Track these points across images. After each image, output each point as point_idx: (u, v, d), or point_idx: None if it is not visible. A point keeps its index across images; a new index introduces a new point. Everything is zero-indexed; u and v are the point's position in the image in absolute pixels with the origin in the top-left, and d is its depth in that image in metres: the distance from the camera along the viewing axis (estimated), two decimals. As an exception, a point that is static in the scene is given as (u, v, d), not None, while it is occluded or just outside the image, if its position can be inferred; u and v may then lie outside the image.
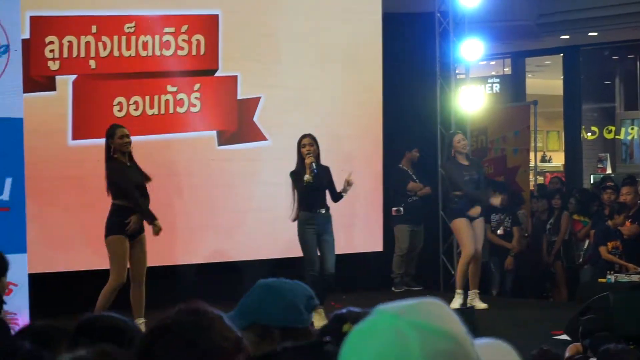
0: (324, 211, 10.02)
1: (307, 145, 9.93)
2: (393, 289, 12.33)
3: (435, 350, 1.66)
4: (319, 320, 9.56)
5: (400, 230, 12.52)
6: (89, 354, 1.89)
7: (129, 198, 8.99)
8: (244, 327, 3.06)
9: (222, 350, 2.34)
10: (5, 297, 5.89)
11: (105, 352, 2.00)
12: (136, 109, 10.75)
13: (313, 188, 9.88)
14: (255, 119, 11.43)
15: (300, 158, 9.98)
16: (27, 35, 9.76)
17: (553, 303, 13.06)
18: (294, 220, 10.04)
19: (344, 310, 3.03)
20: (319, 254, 9.95)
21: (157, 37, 10.84)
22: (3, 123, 8.11)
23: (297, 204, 10.04)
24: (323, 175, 9.98)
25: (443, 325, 1.69)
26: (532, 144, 15.11)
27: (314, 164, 9.85)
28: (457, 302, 10.67)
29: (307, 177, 9.82)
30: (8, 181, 8.10)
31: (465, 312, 8.54)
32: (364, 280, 12.01)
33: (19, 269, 7.48)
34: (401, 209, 12.46)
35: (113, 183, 9.03)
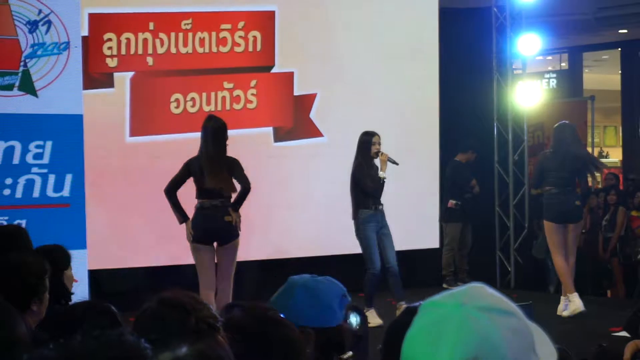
0: (381, 207, 9.94)
1: (377, 143, 9.82)
2: (445, 285, 12.28)
3: (508, 328, 1.71)
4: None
5: (452, 228, 12.47)
6: (189, 353, 1.89)
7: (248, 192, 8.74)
8: None
9: (294, 341, 2.36)
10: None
11: (204, 352, 2.00)
12: (193, 106, 10.79)
13: (381, 185, 9.80)
14: (311, 115, 11.43)
15: (364, 155, 9.86)
16: (85, 33, 9.84)
17: (611, 300, 12.94)
18: (355, 219, 9.93)
19: (416, 304, 3.01)
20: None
21: (213, 33, 10.87)
22: (64, 119, 8.19)
23: (357, 202, 9.89)
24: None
25: (502, 304, 1.74)
26: (589, 140, 14.99)
27: (390, 157, 9.77)
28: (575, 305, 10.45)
29: (382, 173, 9.75)
30: (68, 177, 8.18)
31: (524, 307, 8.48)
32: (415, 277, 11.95)
33: (79, 265, 7.55)
34: (459, 202, 12.38)
35: (246, 177, 8.65)
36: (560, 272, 10.56)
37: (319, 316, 3.12)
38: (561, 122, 10.89)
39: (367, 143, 9.85)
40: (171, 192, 8.67)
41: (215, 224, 8.59)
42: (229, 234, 8.59)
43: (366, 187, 9.80)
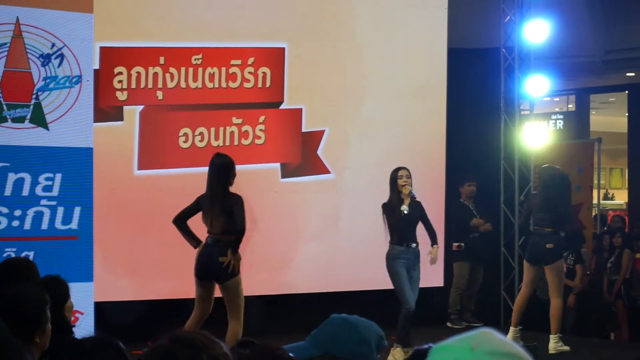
0: (414, 245, 9.91)
1: (405, 176, 9.86)
2: (449, 324, 12.27)
3: None
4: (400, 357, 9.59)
5: (460, 267, 12.49)
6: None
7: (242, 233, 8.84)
8: (316, 356, 3.14)
9: None
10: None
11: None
12: (201, 140, 10.84)
13: (407, 221, 9.80)
14: (319, 152, 11.47)
15: (392, 190, 9.91)
16: (96, 66, 9.90)
17: (615, 343, 12.92)
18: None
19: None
20: None
21: (223, 69, 10.94)
22: (74, 152, 8.24)
23: (389, 237, 9.93)
24: (416, 209, 9.91)
25: (511, 349, 1.77)
26: (595, 182, 15.00)
27: (413, 192, 9.82)
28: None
29: (404, 206, 9.78)
30: (77, 210, 8.23)
31: (529, 348, 8.47)
32: (419, 315, 11.92)
33: (86, 297, 7.59)
34: (462, 244, 12.42)
35: (244, 218, 8.73)
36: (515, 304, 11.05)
37: (358, 350, 3.17)
38: (547, 165, 11.29)
39: (394, 179, 9.92)
40: (179, 221, 8.83)
41: (209, 263, 8.74)
42: (223, 273, 8.70)
43: (390, 222, 9.83)
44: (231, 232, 8.69)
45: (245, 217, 8.72)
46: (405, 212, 9.79)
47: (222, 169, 8.83)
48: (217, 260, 8.70)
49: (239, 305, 8.78)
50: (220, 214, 8.69)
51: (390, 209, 9.86)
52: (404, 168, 9.96)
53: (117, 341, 3.46)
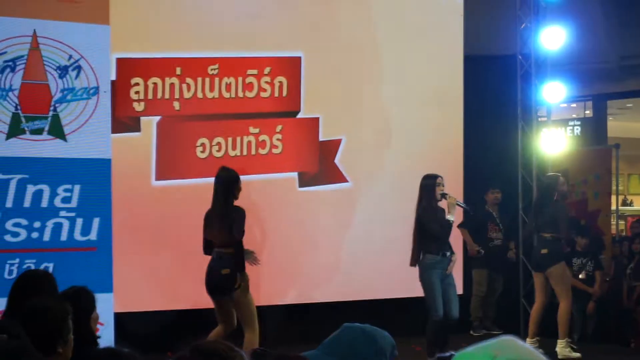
0: (448, 254, 9.73)
1: (441, 185, 9.72)
2: (471, 332, 12.24)
3: None
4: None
5: (479, 274, 12.48)
6: None
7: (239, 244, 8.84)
8: None
9: None
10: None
11: None
12: (219, 150, 10.85)
13: (449, 230, 9.64)
14: (336, 160, 11.47)
15: (429, 198, 9.69)
16: (113, 77, 9.92)
17: (635, 350, 12.85)
18: (414, 265, 9.74)
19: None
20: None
21: (240, 78, 10.95)
22: (92, 164, 8.27)
23: (419, 246, 9.69)
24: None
25: (532, 357, 1.78)
26: (614, 188, 14.93)
27: (458, 201, 9.73)
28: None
29: (450, 216, 9.61)
30: (96, 221, 8.25)
31: (550, 356, 8.46)
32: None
33: (106, 308, 7.60)
34: (482, 250, 12.40)
35: (242, 230, 8.75)
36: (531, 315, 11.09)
37: (372, 358, 3.17)
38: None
39: (432, 185, 9.71)
40: (207, 250, 8.88)
41: (212, 276, 8.82)
42: (226, 286, 8.70)
43: (433, 230, 9.60)
44: (230, 243, 8.74)
45: (244, 229, 8.73)
46: (451, 221, 9.62)
47: (226, 183, 8.86)
48: (220, 273, 8.73)
49: (249, 315, 8.78)
50: (224, 228, 8.72)
51: (434, 218, 9.66)
52: (439, 175, 9.82)
53: (131, 352, 3.46)
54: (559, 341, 10.62)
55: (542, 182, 11.44)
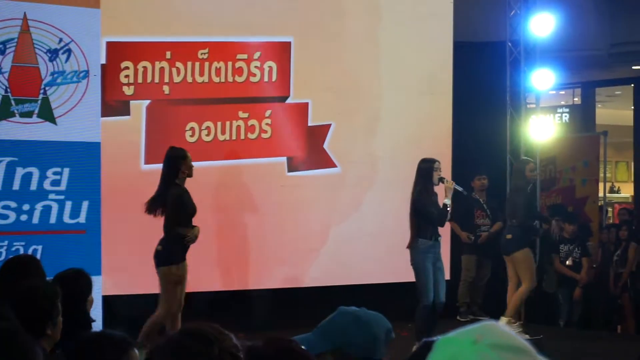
0: (440, 238, 9.73)
1: (439, 169, 9.70)
2: (458, 317, 12.29)
3: None
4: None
5: (468, 260, 12.51)
6: None
7: (189, 226, 8.89)
8: (323, 350, 3.14)
9: None
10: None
11: None
12: (208, 135, 10.85)
13: (445, 213, 9.59)
14: (325, 145, 11.49)
15: (426, 182, 9.66)
16: (103, 61, 9.91)
17: (621, 335, 12.94)
18: (410, 247, 9.70)
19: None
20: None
21: (229, 63, 10.95)
22: (82, 147, 8.27)
23: (416, 230, 9.65)
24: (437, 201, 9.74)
25: (515, 342, 1.75)
26: (601, 175, 14.98)
27: (456, 185, 9.71)
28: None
29: (447, 200, 9.56)
30: (85, 204, 8.26)
31: (535, 342, 8.49)
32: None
33: (94, 291, 7.57)
34: (472, 237, 12.42)
35: (183, 210, 8.83)
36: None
37: (368, 346, 3.18)
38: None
39: (429, 169, 9.66)
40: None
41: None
42: (156, 261, 8.88)
43: (430, 214, 9.56)
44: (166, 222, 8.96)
45: (183, 210, 8.86)
46: (448, 205, 9.60)
47: (170, 161, 8.96)
48: (156, 249, 8.90)
49: (164, 295, 8.87)
50: (158, 207, 8.95)
51: (429, 202, 9.62)
52: (437, 160, 9.80)
53: (124, 335, 3.48)
54: (502, 317, 10.63)
55: (514, 168, 11.61)
